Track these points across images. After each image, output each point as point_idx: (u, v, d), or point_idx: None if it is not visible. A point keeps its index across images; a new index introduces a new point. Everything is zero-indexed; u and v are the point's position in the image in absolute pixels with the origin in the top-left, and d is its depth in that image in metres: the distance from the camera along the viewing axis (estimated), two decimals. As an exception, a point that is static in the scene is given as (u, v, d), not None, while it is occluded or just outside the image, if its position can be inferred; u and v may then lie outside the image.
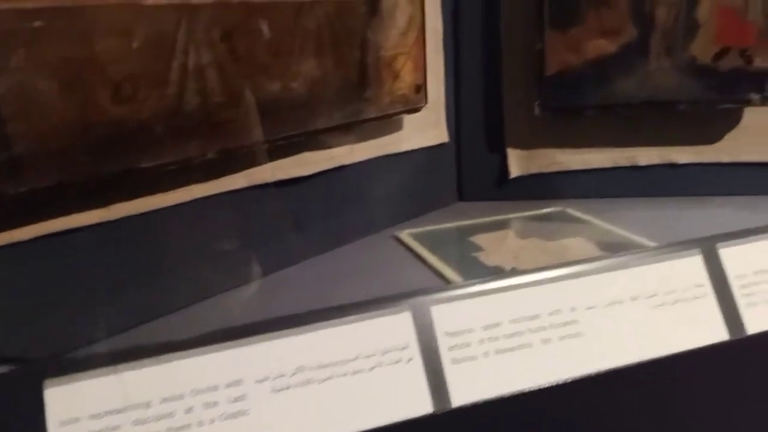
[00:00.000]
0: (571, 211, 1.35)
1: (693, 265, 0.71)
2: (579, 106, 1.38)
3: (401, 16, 1.19)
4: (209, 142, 0.91)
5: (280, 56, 0.97)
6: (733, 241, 0.73)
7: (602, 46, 1.35)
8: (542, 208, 1.37)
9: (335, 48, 1.07)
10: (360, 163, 1.22)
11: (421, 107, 1.26)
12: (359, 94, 1.13)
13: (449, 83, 1.40)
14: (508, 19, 1.40)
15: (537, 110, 1.38)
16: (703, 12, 1.30)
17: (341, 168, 1.19)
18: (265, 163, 1.01)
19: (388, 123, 1.24)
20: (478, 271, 1.06)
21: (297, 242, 1.11)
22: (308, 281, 1.05)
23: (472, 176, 1.46)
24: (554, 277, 0.66)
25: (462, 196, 1.46)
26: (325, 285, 1.03)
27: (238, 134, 0.94)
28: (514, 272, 0.72)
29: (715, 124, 1.40)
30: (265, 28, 0.94)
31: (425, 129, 1.35)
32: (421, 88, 1.26)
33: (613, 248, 1.11)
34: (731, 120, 1.39)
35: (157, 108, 0.83)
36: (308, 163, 1.11)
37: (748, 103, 1.33)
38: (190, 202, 0.95)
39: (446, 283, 1.01)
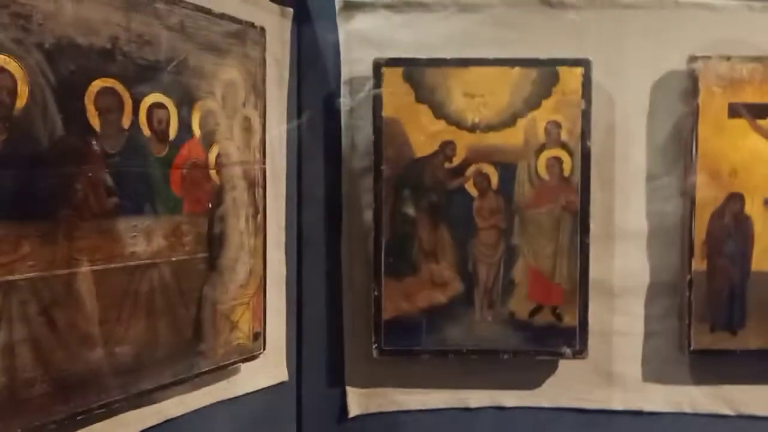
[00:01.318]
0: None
1: None
2: (414, 350, 1.46)
3: (242, 269, 1.24)
4: (12, 419, 0.86)
5: (105, 324, 0.97)
6: None
7: (433, 297, 1.47)
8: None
9: (169, 308, 1.08)
10: (193, 412, 1.19)
11: (259, 354, 1.28)
12: (193, 348, 1.13)
13: (291, 324, 1.43)
14: (349, 266, 1.50)
15: (375, 352, 1.44)
16: (518, 272, 1.47)
17: (172, 420, 1.15)
18: (77, 432, 0.96)
19: (224, 371, 1.24)
20: None
21: None
22: None
23: (312, 415, 1.46)
24: None
25: (301, 435, 1.45)
26: None
27: (49, 408, 0.90)
28: None
29: (535, 371, 1.52)
30: (90, 298, 0.94)
31: (264, 370, 1.36)
32: (259, 335, 1.28)
33: None
34: (549, 369, 1.51)
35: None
36: (129, 424, 1.07)
37: (561, 355, 1.47)
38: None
39: None
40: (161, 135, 1.08)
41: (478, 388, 1.51)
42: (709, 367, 1.51)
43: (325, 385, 1.47)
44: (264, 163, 1.31)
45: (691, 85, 1.47)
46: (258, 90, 1.30)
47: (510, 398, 1.51)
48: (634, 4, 1.51)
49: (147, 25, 1.05)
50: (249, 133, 1.27)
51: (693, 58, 1.47)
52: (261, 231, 1.29)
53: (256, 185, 1.28)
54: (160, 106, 1.07)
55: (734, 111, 1.47)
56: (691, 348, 1.48)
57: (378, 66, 1.46)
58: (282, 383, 1.41)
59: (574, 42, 1.50)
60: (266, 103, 1.33)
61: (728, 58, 1.47)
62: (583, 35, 1.51)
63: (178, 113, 1.10)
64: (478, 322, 1.47)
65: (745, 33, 1.51)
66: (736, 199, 1.47)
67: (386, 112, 1.46)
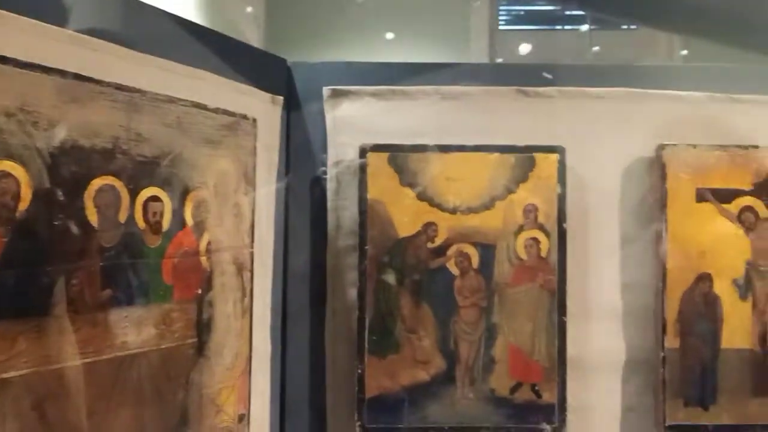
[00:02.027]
0: None
1: None
2: (397, 428, 1.49)
3: (228, 352, 1.27)
4: None
5: (94, 415, 0.99)
6: None
7: (416, 374, 1.50)
8: None
9: (156, 395, 1.11)
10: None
11: (243, 436, 1.30)
12: (178, 433, 1.15)
13: (275, 404, 1.46)
14: (332, 343, 1.54)
15: (357, 430, 1.46)
16: (498, 350, 1.52)
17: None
18: None
19: (208, 453, 1.25)
20: None
21: None
22: None
23: (295, 493, 1.47)
24: None
25: None
26: None
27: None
28: None
29: (515, 447, 1.54)
30: (80, 391, 0.97)
31: (248, 451, 1.37)
32: (244, 417, 1.31)
33: None
34: (529, 444, 1.54)
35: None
36: None
37: (541, 431, 1.50)
38: None
39: None
40: (155, 227, 1.13)
41: (458, 465, 1.53)
42: (685, 443, 1.55)
43: (309, 463, 1.48)
44: (252, 246, 1.36)
45: (659, 172, 1.55)
46: (248, 177, 1.36)
47: (492, 474, 1.53)
48: (605, 95, 1.61)
49: (146, 124, 1.11)
50: (239, 218, 1.33)
51: (661, 146, 1.56)
52: (247, 313, 1.33)
53: (245, 269, 1.33)
54: (155, 199, 1.13)
55: (701, 196, 1.55)
56: (666, 424, 1.52)
57: (364, 151, 1.53)
58: (266, 463, 1.42)
59: (549, 129, 1.59)
60: (256, 188, 1.39)
61: (694, 146, 1.56)
62: (557, 123, 1.60)
63: (172, 204, 1.16)
64: (460, 399, 1.50)
65: (710, 122, 1.61)
66: (705, 279, 1.54)
67: (371, 194, 1.53)
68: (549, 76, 1.64)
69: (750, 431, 1.54)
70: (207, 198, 1.24)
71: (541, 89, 1.61)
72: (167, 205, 1.15)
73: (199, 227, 1.22)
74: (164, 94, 1.15)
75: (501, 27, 7.80)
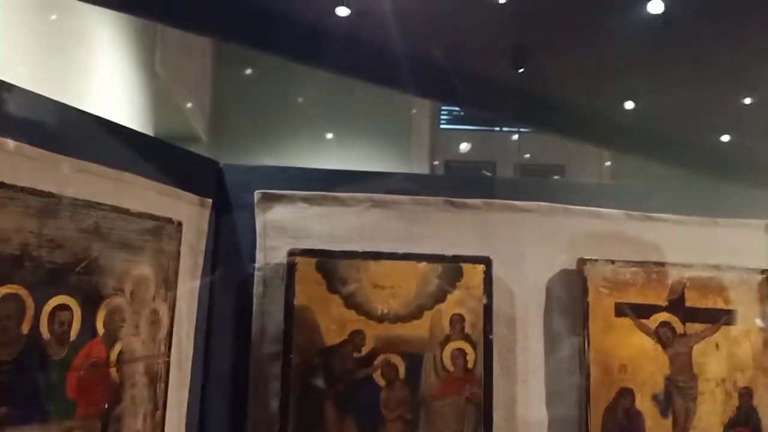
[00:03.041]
0: None
1: None
2: None
3: (134, 473, 1.18)
4: None
5: None
6: None
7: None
8: None
9: None
10: None
11: None
12: None
13: None
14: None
15: None
16: None
17: None
18: None
19: None
20: None
21: None
22: None
23: None
24: None
25: None
26: None
27: None
28: None
29: None
30: None
31: None
32: None
33: None
34: None
35: None
36: None
37: None
38: None
39: None
40: (61, 337, 1.06)
41: None
42: None
43: None
44: (169, 356, 1.30)
45: (580, 285, 1.60)
46: (169, 282, 1.32)
47: None
48: (529, 209, 1.67)
49: (60, 229, 1.07)
50: (156, 326, 1.27)
51: (582, 261, 1.61)
52: (159, 427, 1.25)
53: (159, 380, 1.26)
54: (63, 308, 1.07)
55: (620, 310, 1.60)
56: None
57: (292, 256, 1.52)
58: None
59: (476, 240, 1.63)
60: (177, 293, 1.35)
61: (613, 262, 1.62)
62: (484, 234, 1.64)
63: (83, 313, 1.10)
64: None
65: (627, 239, 1.68)
66: (626, 394, 1.56)
67: (298, 300, 1.51)
68: (488, 174, 1.69)
69: None
70: (122, 305, 1.19)
71: (468, 201, 1.66)
72: (77, 315, 1.09)
73: (111, 336, 1.16)
74: (83, 199, 1.12)
75: (442, 126, 8.13)
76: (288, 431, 1.44)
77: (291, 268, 1.52)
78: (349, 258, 1.54)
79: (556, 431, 1.58)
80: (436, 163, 7.22)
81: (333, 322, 1.51)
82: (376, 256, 1.56)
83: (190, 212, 1.45)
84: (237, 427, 1.48)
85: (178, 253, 1.34)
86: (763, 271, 1.65)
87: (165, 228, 1.31)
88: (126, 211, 1.21)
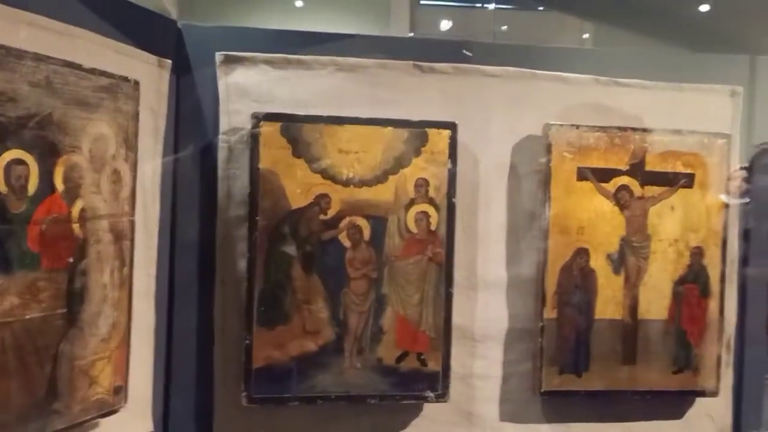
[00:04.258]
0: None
1: None
2: (283, 398, 1.49)
3: (104, 323, 1.23)
4: None
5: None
6: None
7: (305, 345, 1.51)
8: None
9: (22, 367, 1.06)
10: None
11: (119, 408, 1.27)
12: (47, 407, 1.11)
13: (159, 375, 1.43)
14: (222, 314, 1.52)
15: (244, 400, 1.46)
16: (386, 321, 1.55)
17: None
18: None
19: (81, 427, 1.22)
20: None
21: None
22: None
23: (179, 464, 1.46)
24: None
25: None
26: None
27: None
28: None
29: (401, 415, 1.59)
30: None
31: (126, 424, 1.34)
32: (121, 389, 1.28)
33: None
34: (414, 412, 1.59)
35: None
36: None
37: (425, 399, 1.55)
38: None
39: None
40: (19, 191, 1.07)
41: (346, 433, 1.56)
42: (558, 407, 1.65)
43: (194, 434, 1.47)
44: (133, 214, 1.31)
45: (544, 150, 1.62)
46: (129, 143, 1.31)
47: (376, 442, 1.57)
48: (497, 73, 1.65)
49: (9, 82, 1.05)
50: (118, 185, 1.28)
51: (547, 126, 1.62)
52: (127, 283, 1.29)
53: (124, 237, 1.29)
54: (19, 162, 1.07)
55: (582, 174, 1.63)
56: (542, 389, 1.61)
57: (256, 119, 1.50)
58: (148, 434, 1.40)
59: (443, 105, 1.62)
60: (139, 155, 1.34)
61: (577, 127, 1.63)
62: (451, 99, 1.63)
63: (39, 169, 1.10)
64: (348, 369, 1.53)
65: (594, 104, 1.68)
66: (582, 254, 1.63)
67: (263, 164, 1.51)
68: (469, 54, 1.66)
69: (619, 396, 1.66)
70: (80, 163, 1.18)
71: (436, 65, 1.63)
72: (33, 169, 1.09)
73: (71, 193, 1.16)
74: (31, 51, 1.08)
75: (422, 2, 7.81)
76: (255, 290, 1.49)
77: (255, 133, 1.50)
78: (314, 122, 1.53)
79: (514, 289, 1.65)
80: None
81: (298, 186, 1.52)
82: (341, 120, 1.54)
83: (148, 72, 1.41)
84: (206, 287, 1.53)
85: (137, 113, 1.32)
86: (724, 136, 1.67)
87: (121, 86, 1.28)
88: (78, 67, 1.17)
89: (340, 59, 1.60)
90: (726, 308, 1.68)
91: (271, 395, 1.49)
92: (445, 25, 7.63)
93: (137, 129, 1.32)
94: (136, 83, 1.32)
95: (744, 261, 1.72)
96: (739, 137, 1.73)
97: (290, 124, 1.52)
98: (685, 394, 1.68)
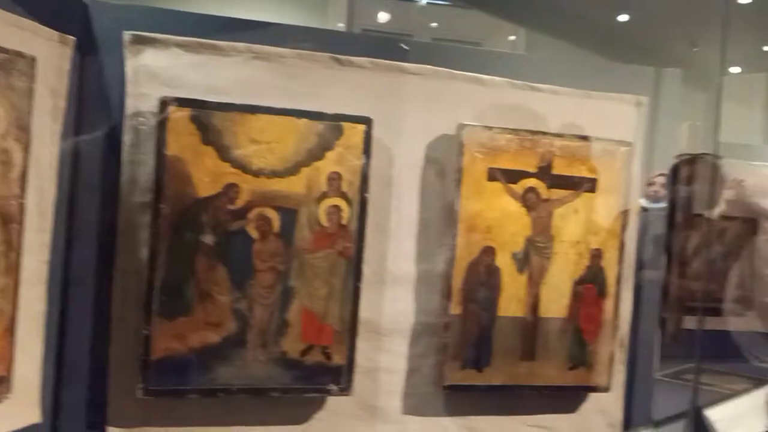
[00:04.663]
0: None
1: None
2: (181, 390, 1.47)
3: (-12, 311, 1.17)
4: None
5: None
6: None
7: (206, 337, 1.49)
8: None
9: None
10: None
11: (2, 399, 1.22)
12: None
13: (49, 364, 1.38)
14: (120, 304, 1.47)
15: (139, 392, 1.43)
16: (292, 314, 1.54)
17: None
18: None
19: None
20: None
21: None
22: None
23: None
24: None
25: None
26: None
27: None
28: None
29: (304, 408, 1.60)
30: None
31: (11, 414, 1.29)
32: (4, 379, 1.22)
33: None
34: (317, 405, 1.60)
35: None
36: None
37: (328, 392, 1.56)
38: None
39: None
40: None
41: (247, 425, 1.55)
42: (460, 400, 1.69)
43: (85, 425, 1.42)
44: (24, 197, 1.25)
45: (457, 149, 1.64)
46: (23, 122, 1.24)
47: (277, 435, 1.57)
48: (414, 71, 1.66)
49: None
50: (8, 166, 1.22)
51: (461, 126, 1.65)
52: (14, 269, 1.23)
53: (12, 221, 1.23)
54: None
55: (492, 175, 1.67)
56: (445, 384, 1.65)
57: (165, 104, 1.46)
58: (35, 425, 1.35)
59: (359, 99, 1.62)
60: (34, 135, 1.28)
61: (490, 128, 1.67)
62: (367, 94, 1.63)
63: None
64: (251, 362, 1.51)
65: (508, 106, 1.72)
66: (488, 252, 1.67)
67: (170, 150, 1.47)
68: (406, 48, 1.66)
69: (518, 391, 1.71)
70: (-36, 141, 1.12)
71: (354, 59, 1.63)
72: None
73: (-48, 172, 1.10)
74: None
75: (361, -7, 7.78)
76: (155, 280, 1.45)
77: (162, 118, 1.46)
78: (226, 110, 1.50)
79: (422, 284, 1.68)
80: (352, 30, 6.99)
81: (206, 174, 1.49)
82: (254, 109, 1.52)
83: (48, 49, 1.34)
84: (104, 275, 1.48)
85: (32, 91, 1.26)
86: (626, 144, 1.75)
87: (15, 62, 1.22)
88: (-37, 39, 1.11)
89: (256, 47, 1.57)
90: (621, 308, 1.76)
91: (169, 387, 1.46)
92: (383, 17, 7.63)
93: (32, 108, 1.26)
94: (33, 59, 1.26)
95: (639, 264, 1.81)
96: (642, 145, 1.81)
97: (200, 111, 1.48)
98: (579, 390, 1.76)
